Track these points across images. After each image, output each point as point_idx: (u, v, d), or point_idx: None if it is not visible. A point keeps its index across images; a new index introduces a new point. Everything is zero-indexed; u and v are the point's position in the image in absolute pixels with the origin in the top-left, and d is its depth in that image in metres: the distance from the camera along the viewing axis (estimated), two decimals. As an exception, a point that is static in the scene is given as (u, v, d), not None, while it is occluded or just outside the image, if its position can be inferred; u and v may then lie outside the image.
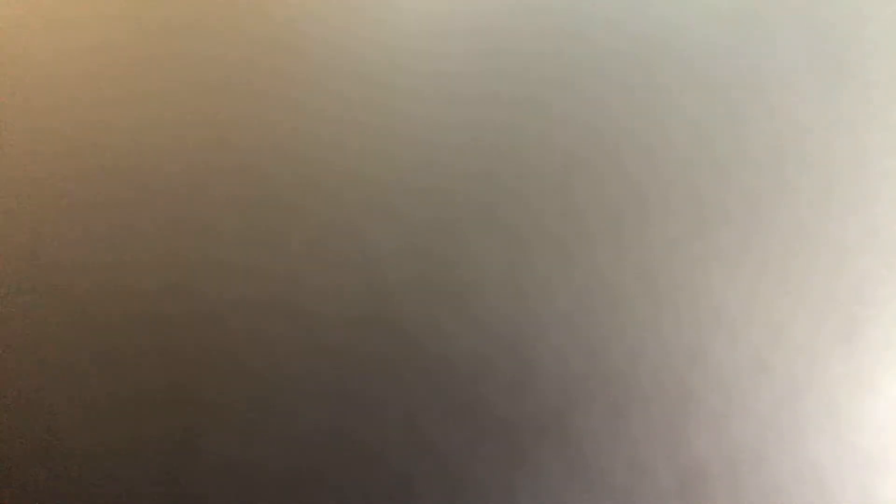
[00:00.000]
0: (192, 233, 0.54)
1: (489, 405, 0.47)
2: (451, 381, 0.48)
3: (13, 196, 0.56)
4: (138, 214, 0.55)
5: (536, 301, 0.51)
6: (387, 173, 0.57)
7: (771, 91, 0.62)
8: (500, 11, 0.68)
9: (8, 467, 0.44)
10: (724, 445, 0.46)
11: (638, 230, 0.54)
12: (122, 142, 0.59)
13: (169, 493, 0.44)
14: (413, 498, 0.44)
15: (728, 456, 0.45)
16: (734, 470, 0.45)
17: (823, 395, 0.47)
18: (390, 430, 0.46)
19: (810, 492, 0.45)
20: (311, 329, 0.49)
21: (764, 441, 0.46)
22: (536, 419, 0.46)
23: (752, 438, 0.46)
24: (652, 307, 0.50)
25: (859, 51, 0.64)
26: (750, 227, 0.54)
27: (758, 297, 0.51)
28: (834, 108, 0.60)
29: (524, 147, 0.59)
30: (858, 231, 0.54)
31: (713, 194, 0.56)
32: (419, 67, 0.64)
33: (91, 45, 0.66)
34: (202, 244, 0.53)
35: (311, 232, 0.54)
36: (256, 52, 0.65)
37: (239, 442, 0.45)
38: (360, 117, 0.61)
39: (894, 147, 0.58)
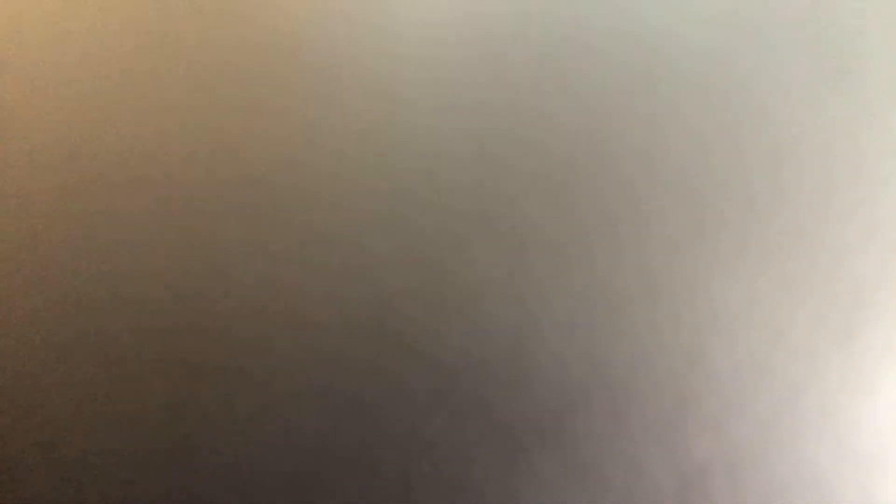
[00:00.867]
0: (194, 242, 0.54)
1: (489, 409, 0.47)
2: (451, 386, 0.48)
3: (19, 205, 0.57)
4: (141, 225, 0.55)
5: (535, 306, 0.51)
6: (387, 182, 0.58)
7: (768, 97, 0.62)
8: (499, 20, 0.68)
9: (11, 475, 0.44)
10: (723, 447, 0.46)
11: (636, 234, 0.54)
12: (127, 152, 0.60)
13: (171, 500, 0.44)
14: (413, 503, 0.44)
15: (727, 458, 0.45)
16: (733, 471, 0.45)
17: (823, 396, 0.47)
18: (391, 435, 0.46)
19: (810, 493, 0.45)
20: (313, 337, 0.50)
21: (763, 443, 0.46)
22: (536, 422, 0.46)
23: (752, 440, 0.46)
24: (651, 311, 0.50)
25: (857, 56, 0.65)
26: (748, 231, 0.54)
27: (756, 299, 0.51)
28: (831, 112, 0.61)
29: (523, 154, 0.59)
30: (857, 234, 0.54)
31: (712, 199, 0.56)
32: (420, 76, 0.64)
33: (97, 56, 0.66)
34: (205, 254, 0.54)
35: (312, 241, 0.54)
36: (259, 63, 0.66)
37: (241, 449, 0.45)
38: (361, 127, 0.61)
39: (892, 150, 0.58)
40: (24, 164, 0.59)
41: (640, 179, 0.57)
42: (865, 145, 0.59)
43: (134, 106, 0.63)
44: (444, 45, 0.67)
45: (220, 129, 0.61)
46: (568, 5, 0.69)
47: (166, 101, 0.63)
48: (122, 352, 0.49)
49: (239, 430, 0.46)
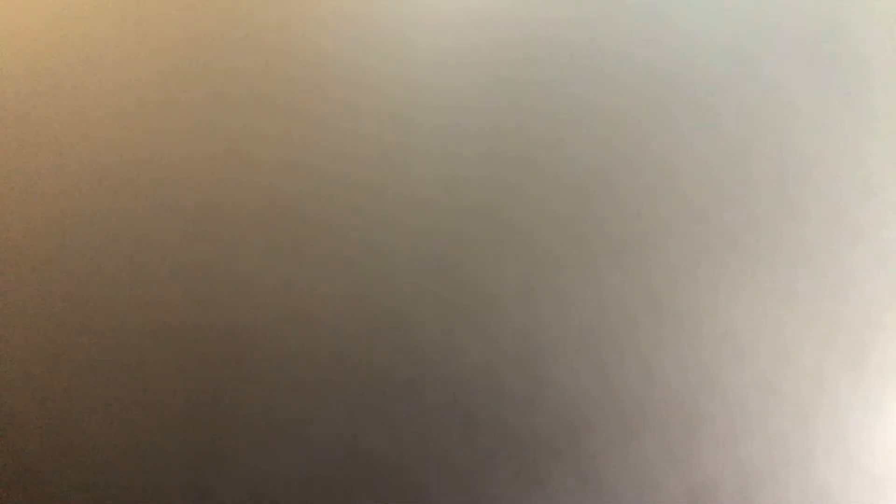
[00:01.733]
0: (213, 245, 0.55)
1: (503, 421, 0.47)
2: (467, 399, 0.48)
3: (37, 208, 0.57)
4: (160, 227, 0.56)
5: (550, 321, 0.51)
6: (403, 187, 0.58)
7: (778, 119, 0.63)
8: (510, 44, 0.69)
9: (32, 476, 0.44)
10: (733, 465, 0.46)
11: (648, 254, 0.55)
12: (146, 155, 0.60)
13: (191, 501, 0.44)
14: (427, 514, 0.44)
15: (737, 476, 0.46)
16: (743, 490, 0.45)
17: (831, 417, 0.48)
18: (407, 443, 0.46)
19: (818, 513, 0.45)
20: (330, 341, 0.50)
21: (772, 462, 0.46)
22: (549, 437, 0.47)
23: (761, 459, 0.46)
24: (664, 329, 0.51)
25: (866, 79, 0.65)
26: (758, 253, 0.55)
27: (766, 320, 0.51)
28: (840, 138, 0.61)
29: (543, 165, 0.60)
30: (865, 257, 0.54)
31: (721, 220, 0.57)
32: (435, 81, 0.65)
33: (112, 60, 0.67)
34: (223, 256, 0.54)
35: (329, 245, 0.55)
36: (274, 65, 0.66)
37: (259, 451, 0.46)
38: (377, 130, 0.62)
39: (901, 175, 0.58)
40: (44, 168, 0.59)
41: (651, 200, 0.58)
42: (875, 167, 0.60)
43: (150, 108, 0.63)
44: (458, 52, 0.67)
45: (237, 131, 0.62)
46: (578, 30, 0.70)
47: (184, 103, 0.64)
48: (140, 354, 0.49)
49: (256, 433, 0.46)
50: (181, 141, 0.61)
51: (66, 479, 0.44)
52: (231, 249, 0.55)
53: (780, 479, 0.46)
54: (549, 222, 0.56)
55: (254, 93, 0.65)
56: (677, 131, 0.62)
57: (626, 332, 0.51)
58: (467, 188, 0.58)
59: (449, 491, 0.45)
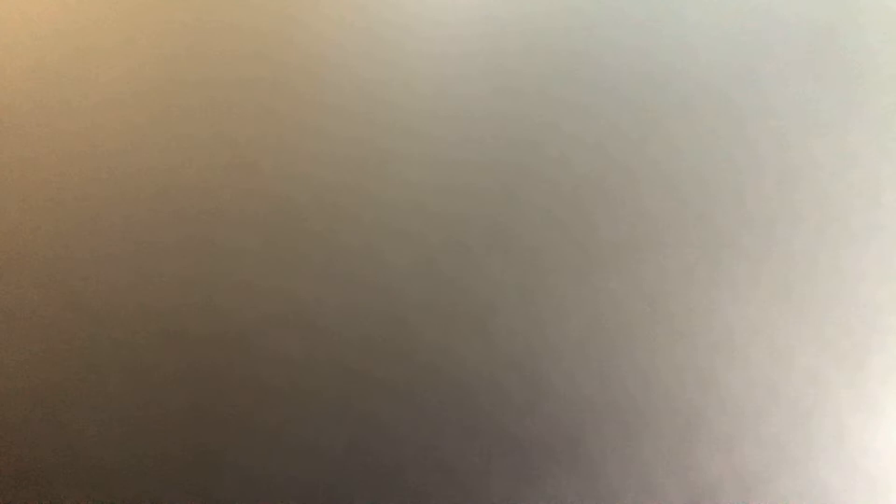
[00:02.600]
0: (212, 253, 0.55)
1: (501, 425, 0.47)
2: (465, 403, 0.48)
3: (41, 216, 0.57)
4: (162, 235, 0.56)
5: (549, 325, 0.51)
6: (402, 194, 0.58)
7: (784, 121, 0.63)
8: (514, 37, 0.69)
9: (33, 481, 0.45)
10: (733, 468, 0.46)
11: (650, 256, 0.55)
12: (148, 163, 0.60)
13: (187, 511, 0.44)
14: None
15: (738, 478, 0.46)
16: (742, 493, 0.45)
17: (832, 420, 0.47)
18: (406, 449, 0.46)
19: (819, 515, 0.45)
20: (330, 349, 0.50)
21: (773, 464, 0.46)
22: (547, 440, 0.47)
23: (762, 462, 0.46)
24: (661, 332, 0.51)
25: (872, 84, 0.65)
26: (761, 255, 0.55)
27: (768, 322, 0.51)
28: (846, 140, 0.61)
29: (536, 170, 0.60)
30: (864, 259, 0.54)
31: (725, 221, 0.57)
32: (433, 89, 0.65)
33: (116, 70, 0.67)
34: (224, 264, 0.54)
35: (329, 252, 0.55)
36: (277, 75, 0.66)
37: (257, 460, 0.46)
38: (376, 138, 0.62)
39: (901, 177, 0.58)
40: (42, 176, 0.60)
41: (650, 201, 0.58)
42: (873, 169, 0.59)
43: (153, 117, 0.64)
44: (460, 58, 0.67)
45: (234, 139, 0.62)
46: (583, 23, 0.70)
47: (182, 111, 0.64)
48: (140, 361, 0.49)
49: (256, 441, 0.46)
50: (184, 150, 0.62)
51: (66, 484, 0.45)
52: (232, 257, 0.55)
53: (779, 481, 0.46)
54: (546, 227, 0.56)
55: (255, 102, 0.65)
56: (674, 134, 0.62)
57: (623, 335, 0.51)
58: (466, 195, 0.59)
59: (446, 495, 0.45)
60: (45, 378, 0.49)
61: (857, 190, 0.58)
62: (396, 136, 0.62)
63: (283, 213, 0.57)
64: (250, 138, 0.62)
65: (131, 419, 0.47)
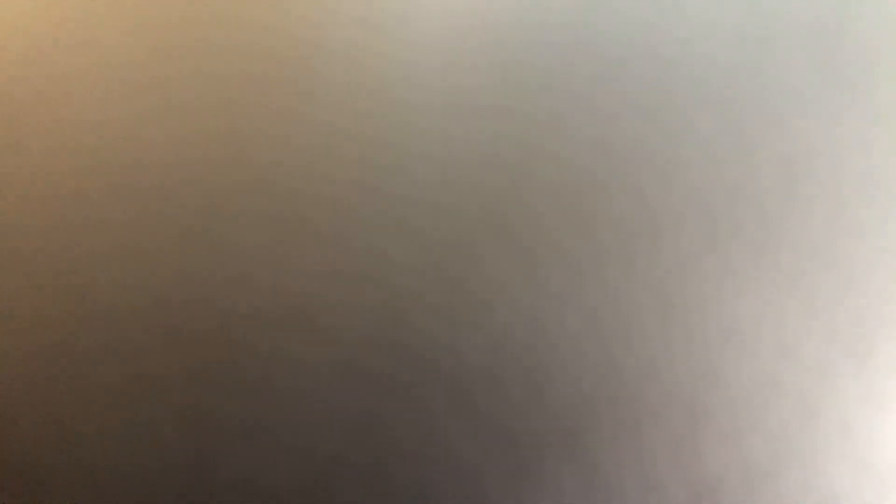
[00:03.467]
0: (209, 249, 0.54)
1: (501, 421, 0.47)
2: (464, 398, 0.48)
3: (37, 210, 0.57)
4: (158, 231, 0.55)
5: (548, 318, 0.51)
6: (401, 189, 0.58)
7: (783, 109, 0.62)
8: (515, 28, 0.69)
9: (29, 480, 0.44)
10: (736, 462, 0.46)
11: (650, 247, 0.54)
12: (144, 158, 0.60)
13: (183, 505, 0.44)
14: (426, 512, 0.44)
15: (741, 472, 0.45)
16: (747, 486, 0.45)
17: (837, 412, 0.47)
18: (405, 446, 0.46)
19: (824, 509, 0.44)
20: (327, 346, 0.50)
21: (777, 458, 0.46)
22: (548, 436, 0.46)
23: (765, 456, 0.46)
24: (664, 324, 0.50)
25: (873, 72, 0.65)
26: (762, 245, 0.54)
27: (770, 313, 0.51)
28: (846, 128, 0.61)
29: (538, 164, 0.59)
30: (872, 248, 0.54)
31: (725, 212, 0.56)
32: (435, 83, 0.64)
33: (113, 63, 0.67)
34: (219, 260, 0.54)
35: (328, 246, 0.55)
36: (273, 68, 0.66)
37: (254, 458, 0.45)
38: (376, 132, 0.61)
39: (907, 166, 0.58)
40: (41, 172, 0.59)
41: (654, 192, 0.57)
42: (881, 159, 0.59)
43: (151, 112, 0.63)
44: (460, 51, 0.67)
45: (235, 134, 0.61)
46: (583, 15, 0.69)
47: (183, 106, 0.63)
48: (137, 358, 0.49)
49: (254, 439, 0.46)
50: (182, 146, 0.61)
51: (62, 482, 0.44)
52: (227, 253, 0.54)
53: (785, 474, 0.45)
54: (546, 219, 0.56)
55: (254, 96, 0.65)
56: (676, 126, 0.62)
57: (627, 326, 0.50)
58: (467, 188, 0.58)
59: (449, 488, 0.44)
60: (39, 375, 0.48)
61: (864, 180, 0.58)
62: (396, 129, 0.61)
63: (279, 207, 0.57)
64: (247, 132, 0.62)
65: (129, 417, 0.47)
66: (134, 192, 0.58)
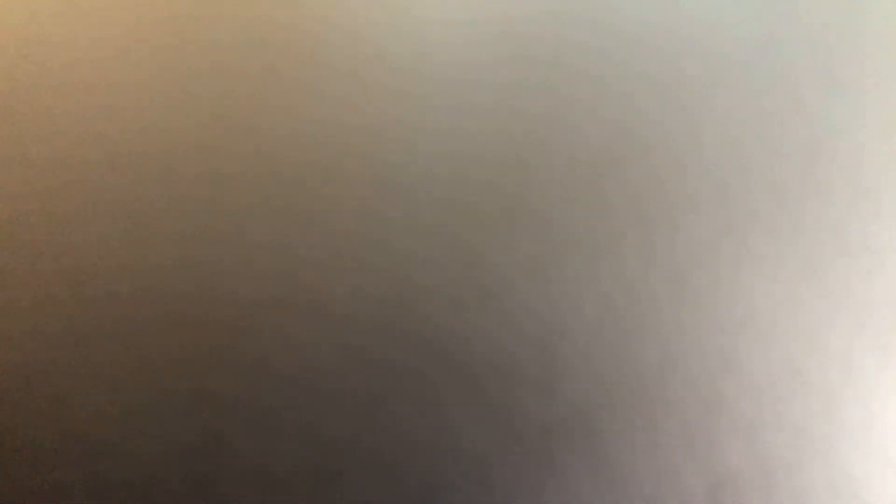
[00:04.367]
0: (220, 238, 0.54)
1: (515, 410, 0.46)
2: (477, 386, 0.47)
3: (47, 200, 0.56)
4: (167, 219, 0.55)
5: (564, 305, 0.50)
6: (412, 161, 0.57)
7: (805, 91, 0.61)
8: (524, 21, 0.67)
9: (34, 464, 0.44)
10: (755, 453, 0.45)
11: (667, 233, 0.53)
12: (153, 148, 0.59)
13: (193, 491, 0.43)
14: (439, 501, 0.43)
15: (760, 465, 0.44)
16: (766, 479, 0.44)
17: (859, 404, 0.46)
18: (417, 433, 0.45)
19: (844, 502, 0.44)
20: (338, 333, 0.49)
21: (797, 450, 0.45)
22: (563, 424, 0.45)
23: (785, 447, 0.45)
24: (682, 311, 0.49)
25: (894, 54, 0.63)
26: (783, 231, 0.53)
27: (791, 302, 0.50)
28: (869, 109, 0.59)
29: (551, 147, 0.58)
30: (894, 235, 0.53)
31: (745, 197, 0.55)
32: (446, 55, 0.63)
33: (115, 30, 0.66)
34: (230, 249, 0.53)
35: (336, 220, 0.54)
36: (281, 62, 0.65)
37: (262, 444, 0.45)
38: (385, 104, 0.60)
39: (933, 150, 0.56)
40: (52, 160, 0.59)
41: (672, 177, 0.56)
42: (905, 144, 0.57)
43: (161, 103, 0.62)
44: (468, 46, 0.65)
45: (246, 127, 0.61)
46: (599, 1, 0.68)
47: (195, 98, 0.63)
48: (146, 344, 0.48)
49: (261, 424, 0.45)
50: (192, 136, 0.60)
51: (68, 466, 0.44)
52: (237, 243, 0.54)
53: (805, 468, 0.44)
54: (561, 202, 0.55)
55: (259, 63, 0.64)
56: (694, 106, 0.60)
57: (643, 313, 0.49)
58: (478, 163, 0.57)
59: (461, 476, 0.44)
60: (47, 360, 0.48)
61: (886, 163, 0.56)
62: (406, 102, 0.60)
63: (289, 199, 0.56)
64: (257, 125, 0.61)
65: (135, 402, 0.46)
66: (142, 182, 0.57)
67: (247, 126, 0.60)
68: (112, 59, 0.64)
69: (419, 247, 0.53)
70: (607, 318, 0.49)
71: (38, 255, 0.52)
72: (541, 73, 0.62)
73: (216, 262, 0.52)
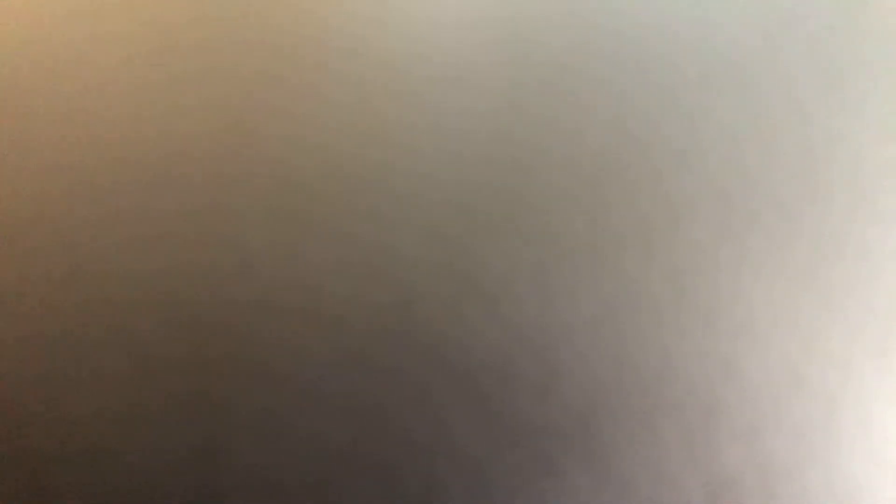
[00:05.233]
0: (220, 242, 0.54)
1: (514, 413, 0.46)
2: (476, 390, 0.47)
3: (47, 205, 0.56)
4: (166, 224, 0.55)
5: (563, 308, 0.50)
6: (413, 164, 0.57)
7: (804, 96, 0.61)
8: (524, 22, 0.67)
9: (34, 469, 0.44)
10: (754, 457, 0.45)
11: (667, 236, 0.53)
12: (154, 152, 0.59)
13: (192, 497, 0.43)
14: (434, 506, 0.43)
15: (759, 469, 0.44)
16: (765, 484, 0.44)
17: (858, 408, 0.46)
18: (414, 441, 0.45)
19: (843, 508, 0.44)
20: (336, 339, 0.49)
21: (796, 455, 0.45)
22: (562, 428, 0.45)
23: (784, 452, 0.45)
24: (681, 315, 0.49)
25: (893, 58, 0.63)
26: (782, 235, 0.53)
27: (790, 306, 0.50)
28: (868, 113, 0.59)
29: (552, 149, 0.58)
30: (893, 239, 0.53)
31: (744, 201, 0.55)
32: (447, 57, 0.63)
33: (116, 34, 0.66)
34: (230, 253, 0.53)
35: (337, 222, 0.54)
36: (281, 65, 0.65)
37: (262, 449, 0.45)
38: (386, 106, 0.60)
39: (932, 155, 0.56)
40: (54, 165, 0.59)
41: (671, 180, 0.56)
42: (904, 148, 0.57)
43: (162, 107, 0.62)
44: (470, 49, 0.65)
45: (247, 130, 0.61)
46: (600, 3, 0.68)
47: (196, 102, 0.63)
48: (146, 349, 0.48)
49: (261, 430, 0.45)
50: (192, 140, 0.61)
51: (67, 471, 0.44)
52: (237, 247, 0.54)
53: (804, 472, 0.44)
54: (560, 205, 0.55)
55: (259, 67, 0.64)
56: (693, 109, 0.60)
57: (642, 317, 0.49)
58: (478, 166, 0.57)
59: (459, 479, 0.43)
60: (47, 364, 0.48)
61: (886, 168, 0.56)
62: (407, 104, 0.60)
63: (289, 202, 0.56)
64: (257, 128, 0.61)
65: (134, 407, 0.46)
66: (141, 186, 0.57)
67: (246, 129, 0.60)
68: (111, 64, 0.64)
69: (418, 250, 0.53)
70: (606, 322, 0.49)
71: (36, 261, 0.52)
72: (540, 75, 0.62)
73: (214, 267, 0.52)
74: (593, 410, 0.46)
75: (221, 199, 0.55)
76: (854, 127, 0.59)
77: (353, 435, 0.45)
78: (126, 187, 0.56)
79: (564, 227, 0.54)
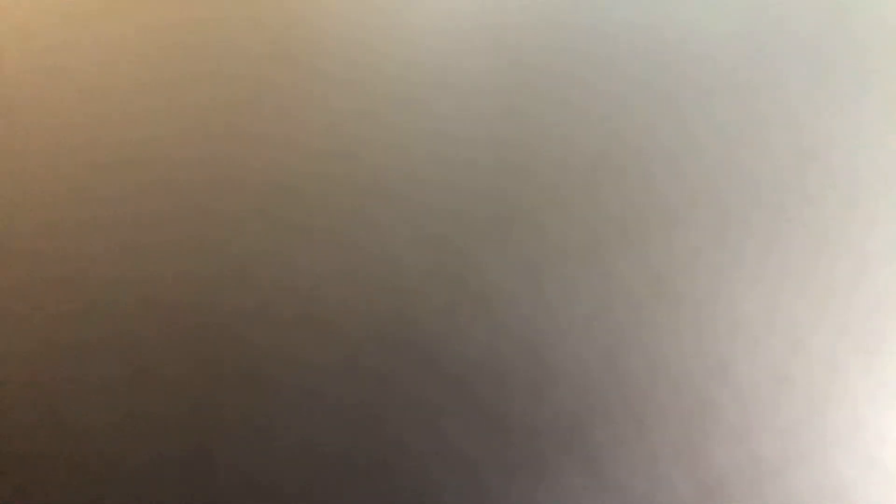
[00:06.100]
0: (216, 248, 0.54)
1: (506, 416, 0.46)
2: (469, 393, 0.47)
3: (44, 211, 0.56)
4: (160, 229, 0.55)
5: (556, 311, 0.50)
6: (406, 189, 0.57)
7: (796, 100, 0.61)
8: (520, 29, 0.68)
9: (30, 475, 0.44)
10: (744, 458, 0.45)
11: (659, 239, 0.54)
12: (149, 157, 0.59)
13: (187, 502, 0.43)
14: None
15: (748, 468, 0.45)
16: (754, 483, 0.44)
17: (846, 408, 0.46)
18: (408, 443, 0.45)
19: (832, 507, 0.44)
20: (330, 343, 0.49)
21: (785, 455, 0.45)
22: (554, 430, 0.46)
23: (773, 452, 0.45)
24: (672, 317, 0.50)
25: (887, 62, 0.64)
26: (772, 237, 0.53)
27: (779, 307, 0.50)
28: (859, 118, 0.60)
29: (547, 152, 0.59)
30: (883, 242, 0.53)
31: (736, 204, 0.55)
32: (441, 62, 0.64)
33: (110, 39, 0.66)
34: (225, 259, 0.53)
35: (330, 225, 0.54)
36: (281, 71, 0.65)
37: (257, 455, 0.45)
38: (380, 111, 0.61)
39: (920, 157, 0.57)
40: (49, 172, 0.59)
41: (664, 184, 0.57)
42: (892, 152, 0.58)
43: (157, 112, 0.63)
44: (464, 54, 0.66)
45: (243, 135, 0.61)
46: (593, 7, 0.68)
47: (190, 106, 0.63)
48: (141, 355, 0.48)
49: (256, 436, 0.46)
50: (188, 146, 0.61)
51: (63, 478, 0.44)
52: (232, 253, 0.54)
53: (793, 472, 0.44)
54: (552, 207, 0.55)
55: (254, 71, 0.64)
56: (684, 112, 0.61)
57: (634, 319, 0.50)
58: (472, 169, 0.57)
59: (452, 481, 0.44)
60: (42, 370, 0.48)
61: (873, 170, 0.57)
62: (402, 109, 0.61)
63: (284, 208, 0.56)
64: (254, 134, 0.61)
65: (130, 414, 0.46)
66: (140, 191, 0.57)
67: (241, 133, 0.60)
68: (107, 68, 0.64)
69: (413, 253, 0.53)
70: (599, 324, 0.50)
71: (31, 266, 0.52)
72: (533, 80, 0.63)
73: (208, 272, 0.52)
74: (586, 412, 0.46)
75: (217, 204, 0.56)
76: (841, 131, 0.59)
77: (348, 439, 0.45)
78: (120, 193, 0.56)
79: (557, 231, 0.54)
